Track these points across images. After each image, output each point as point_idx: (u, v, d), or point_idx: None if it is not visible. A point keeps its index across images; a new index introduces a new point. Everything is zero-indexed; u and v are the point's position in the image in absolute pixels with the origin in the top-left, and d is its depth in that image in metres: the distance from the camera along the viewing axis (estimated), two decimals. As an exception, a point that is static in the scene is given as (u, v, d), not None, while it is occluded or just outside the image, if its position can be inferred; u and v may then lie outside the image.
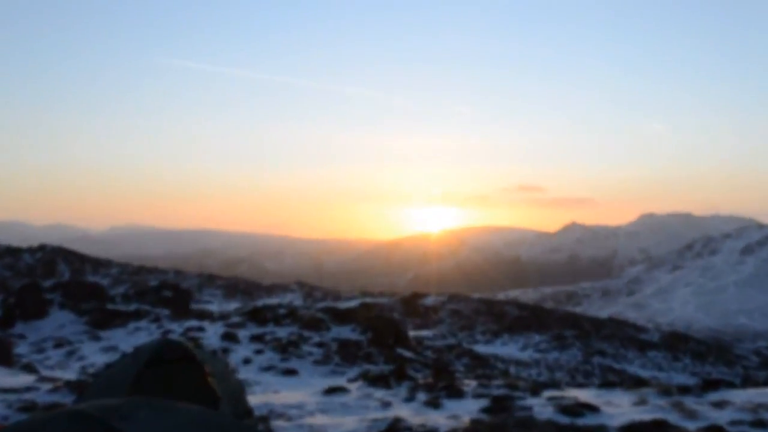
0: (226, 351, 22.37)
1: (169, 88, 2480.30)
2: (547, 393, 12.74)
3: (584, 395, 12.28)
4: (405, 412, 11.40)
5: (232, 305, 59.99)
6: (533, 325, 58.43)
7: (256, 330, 26.79)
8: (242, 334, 25.70)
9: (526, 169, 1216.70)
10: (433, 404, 12.08)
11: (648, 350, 52.77)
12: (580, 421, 10.18)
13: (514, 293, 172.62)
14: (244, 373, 18.45)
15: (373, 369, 20.06)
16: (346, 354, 23.35)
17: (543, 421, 10.08)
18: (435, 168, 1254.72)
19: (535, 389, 13.27)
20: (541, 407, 11.18)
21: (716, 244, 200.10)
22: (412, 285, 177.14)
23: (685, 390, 12.29)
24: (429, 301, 67.37)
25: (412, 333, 41.15)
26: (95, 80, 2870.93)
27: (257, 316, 29.60)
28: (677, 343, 57.26)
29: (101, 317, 28.35)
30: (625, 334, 58.51)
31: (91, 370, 18.54)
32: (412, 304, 64.22)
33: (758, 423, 9.65)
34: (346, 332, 27.81)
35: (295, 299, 73.80)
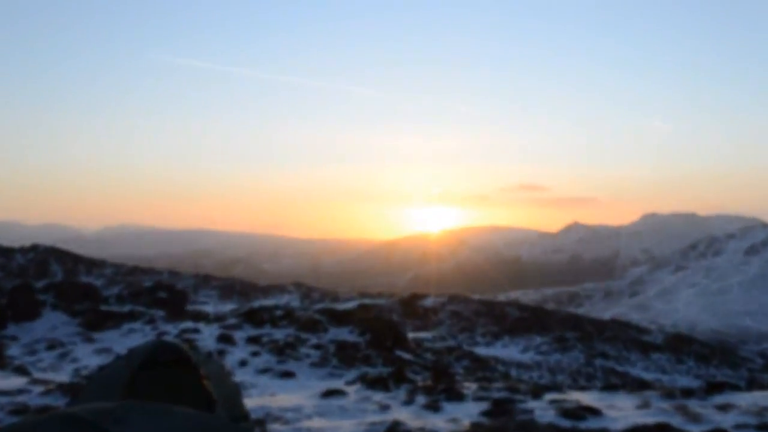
0: (221, 353, 22.21)
1: (162, 87, 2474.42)
2: (549, 396, 12.65)
3: (586, 398, 12.18)
4: (404, 415, 11.28)
5: (228, 306, 59.82)
6: (534, 326, 58.27)
7: (252, 332, 26.61)
8: (238, 335, 25.52)
9: (527, 168, 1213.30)
10: (433, 407, 11.96)
11: (651, 352, 52.60)
12: (583, 425, 10.07)
13: (515, 294, 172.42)
14: (240, 376, 18.27)
15: (372, 371, 19.91)
16: (344, 356, 23.18)
17: (544, 425, 9.96)
18: (435, 167, 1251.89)
19: (537, 392, 13.18)
20: (542, 410, 11.09)
21: (720, 244, 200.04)
22: (412, 286, 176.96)
23: (688, 393, 12.21)
24: (428, 302, 67.25)
25: (411, 335, 40.99)
26: (91, 79, 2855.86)
27: (254, 317, 29.43)
28: (681, 345, 57.10)
29: (95, 318, 28.08)
30: (627, 336, 58.36)
31: (84, 373, 18.34)
32: (411, 306, 64.10)
33: (763, 427, 9.54)
34: (344, 334, 27.66)
35: (292, 300, 73.68)
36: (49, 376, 16.74)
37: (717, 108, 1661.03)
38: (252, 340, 24.86)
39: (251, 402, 12.12)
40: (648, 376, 42.04)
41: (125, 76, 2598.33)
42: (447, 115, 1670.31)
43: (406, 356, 26.87)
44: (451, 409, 11.85)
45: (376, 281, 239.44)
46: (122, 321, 28.55)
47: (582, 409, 10.81)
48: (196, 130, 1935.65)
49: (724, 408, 10.71)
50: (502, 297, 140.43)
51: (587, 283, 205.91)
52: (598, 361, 46.72)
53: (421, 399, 12.80)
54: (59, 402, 11.90)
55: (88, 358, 21.96)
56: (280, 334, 26.18)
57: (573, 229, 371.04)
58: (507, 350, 50.44)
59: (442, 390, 13.50)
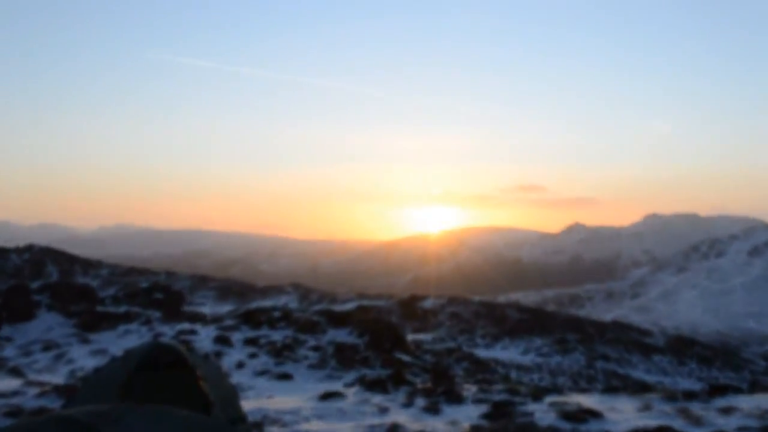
0: (218, 354, 22.10)
1: (159, 87, 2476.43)
2: (549, 398, 12.58)
3: (587, 401, 12.10)
4: (403, 417, 11.20)
5: (225, 308, 59.80)
6: (535, 328, 58.19)
7: (249, 333, 26.51)
8: (236, 337, 25.41)
9: (528, 168, 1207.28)
10: (432, 410, 11.88)
11: (653, 354, 52.47)
12: (583, 428, 9.99)
13: (515, 296, 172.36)
14: (238, 378, 18.17)
15: (371, 373, 19.79)
16: (343, 358, 23.07)
17: (545, 428, 9.89)
18: (435, 168, 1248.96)
19: (537, 394, 13.11)
20: (542, 413, 11.01)
21: (723, 245, 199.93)
22: (411, 287, 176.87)
23: (690, 395, 12.13)
24: (428, 303, 67.19)
25: (410, 336, 40.95)
26: (87, 78, 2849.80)
27: (251, 318, 29.31)
28: (683, 348, 57.02)
29: (90, 319, 27.93)
30: (629, 338, 58.29)
31: (79, 374, 18.25)
32: (410, 307, 64.02)
33: (766, 430, 9.46)
34: (343, 336, 27.56)
35: (290, 301, 73.61)
36: (45, 377, 16.65)
37: (719, 107, 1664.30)
38: (249, 341, 24.75)
39: (248, 404, 12.03)
40: (649, 378, 41.90)
41: (122, 75, 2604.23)
42: (447, 116, 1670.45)
43: (406, 358, 26.74)
44: (450, 411, 11.77)
45: (375, 282, 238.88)
46: (118, 322, 28.41)
47: (583, 411, 10.73)
48: (193, 129, 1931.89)
49: (726, 411, 10.64)
50: (502, 298, 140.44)
51: (588, 285, 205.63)
52: (599, 364, 46.59)
53: (420, 401, 12.72)
54: (55, 404, 11.81)
55: (84, 359, 21.84)
56: (277, 336, 26.06)
57: (574, 229, 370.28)
58: (507, 352, 50.31)
59: (441, 392, 13.43)
